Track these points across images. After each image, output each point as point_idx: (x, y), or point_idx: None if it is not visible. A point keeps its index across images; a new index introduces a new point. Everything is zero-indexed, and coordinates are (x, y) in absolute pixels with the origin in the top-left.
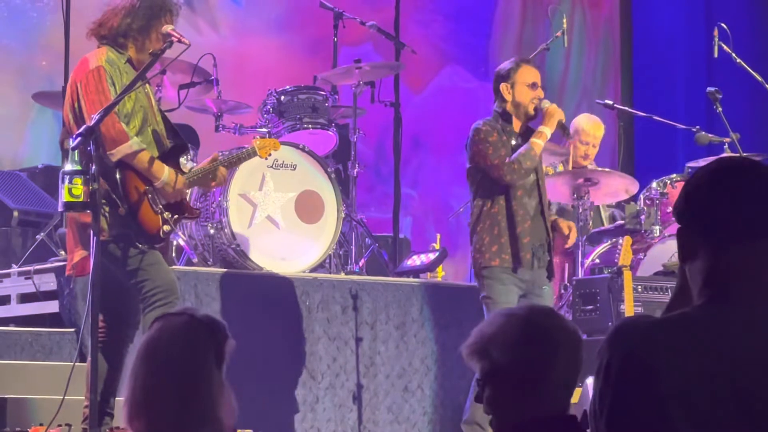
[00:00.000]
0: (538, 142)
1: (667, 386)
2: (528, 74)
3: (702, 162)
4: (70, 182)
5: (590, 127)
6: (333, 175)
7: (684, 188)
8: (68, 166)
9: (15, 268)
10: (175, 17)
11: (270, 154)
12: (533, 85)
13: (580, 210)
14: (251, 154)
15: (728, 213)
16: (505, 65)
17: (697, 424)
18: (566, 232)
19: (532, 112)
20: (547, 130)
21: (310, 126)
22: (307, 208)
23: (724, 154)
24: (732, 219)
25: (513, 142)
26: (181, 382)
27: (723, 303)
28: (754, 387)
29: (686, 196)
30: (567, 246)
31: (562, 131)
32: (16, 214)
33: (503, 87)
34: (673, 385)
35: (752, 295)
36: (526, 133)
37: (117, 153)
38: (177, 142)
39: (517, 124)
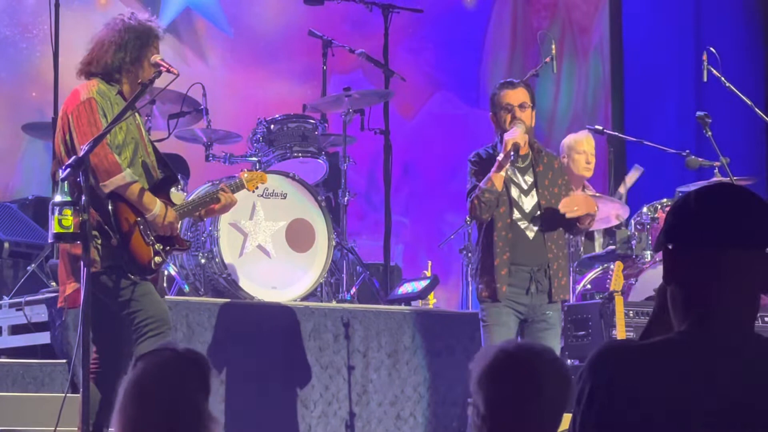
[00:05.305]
0: (496, 175)
1: (651, 415)
2: (506, 98)
3: (693, 186)
4: (60, 213)
5: (579, 139)
6: (323, 204)
7: (671, 210)
8: (58, 197)
9: (6, 300)
10: (161, 40)
11: (257, 187)
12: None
13: (571, 236)
14: (239, 186)
15: (720, 222)
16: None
17: None
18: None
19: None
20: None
21: (300, 154)
22: (298, 236)
23: (714, 179)
24: (725, 228)
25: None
26: (172, 416)
27: (707, 327)
28: (741, 414)
29: (675, 214)
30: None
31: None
32: (6, 245)
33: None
34: (657, 414)
35: (737, 317)
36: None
37: (110, 184)
38: (167, 173)
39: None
